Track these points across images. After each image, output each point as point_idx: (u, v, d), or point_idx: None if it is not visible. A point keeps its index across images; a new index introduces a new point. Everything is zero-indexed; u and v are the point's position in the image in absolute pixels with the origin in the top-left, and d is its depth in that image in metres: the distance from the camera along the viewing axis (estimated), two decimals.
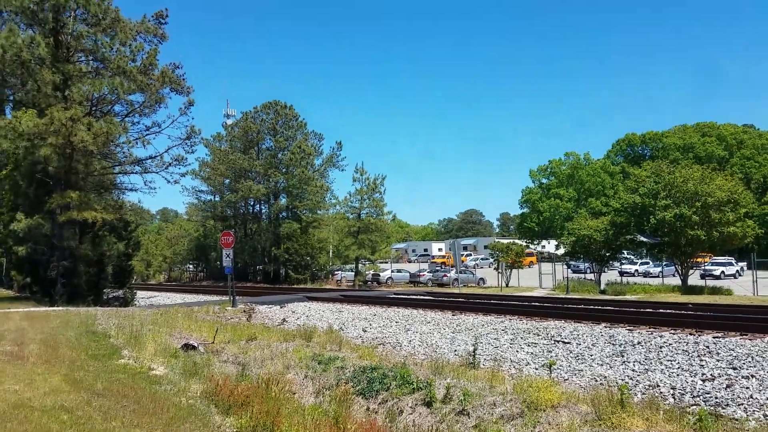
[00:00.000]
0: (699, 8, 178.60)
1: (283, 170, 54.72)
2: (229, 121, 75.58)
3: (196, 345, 12.53)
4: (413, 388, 9.24)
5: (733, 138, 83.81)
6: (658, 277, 45.35)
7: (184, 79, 28.85)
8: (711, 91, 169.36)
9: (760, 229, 54.37)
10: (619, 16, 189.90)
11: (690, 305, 22.67)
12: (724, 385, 10.03)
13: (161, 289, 47.34)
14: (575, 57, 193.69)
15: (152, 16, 28.18)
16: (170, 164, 29.72)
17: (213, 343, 13.25)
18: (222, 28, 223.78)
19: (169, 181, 30.84)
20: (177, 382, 8.92)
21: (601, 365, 12.16)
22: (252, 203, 60.79)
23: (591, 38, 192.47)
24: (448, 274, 46.39)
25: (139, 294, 37.23)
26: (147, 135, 28.99)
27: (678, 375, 10.92)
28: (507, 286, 42.22)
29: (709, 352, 12.20)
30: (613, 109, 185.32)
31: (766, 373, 10.42)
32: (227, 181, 59.36)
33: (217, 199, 63.57)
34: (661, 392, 10.13)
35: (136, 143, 28.58)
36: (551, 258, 53.32)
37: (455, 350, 14.44)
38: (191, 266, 74.31)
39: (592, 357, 12.85)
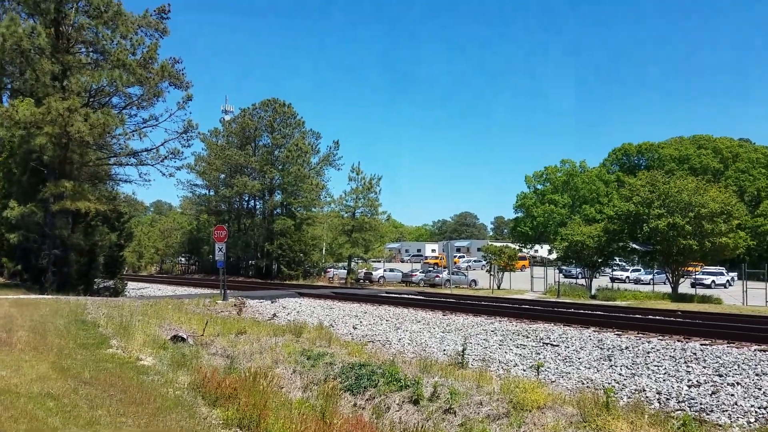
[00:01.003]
0: (698, 23, 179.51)
1: (279, 167, 54.67)
2: (227, 117, 75.49)
3: (185, 337, 12.53)
4: (401, 386, 9.27)
5: (728, 151, 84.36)
6: (649, 284, 45.57)
7: (183, 74, 28.96)
8: (708, 103, 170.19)
9: (752, 241, 54.78)
10: (619, 27, 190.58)
11: (679, 312, 22.82)
12: (710, 392, 10.11)
13: (152, 281, 47.28)
14: (575, 64, 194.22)
15: (154, 11, 28.22)
16: (166, 157, 29.87)
17: (202, 335, 13.24)
18: (224, 24, 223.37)
19: (164, 174, 31.01)
20: (165, 373, 8.92)
21: (589, 368, 12.22)
22: (247, 199, 60.72)
23: (592, 47, 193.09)
24: (441, 275, 46.45)
25: (130, 285, 37.15)
26: (144, 128, 29.10)
27: (664, 380, 10.99)
28: (498, 288, 42.33)
29: (696, 359, 12.29)
30: (610, 118, 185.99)
31: (752, 380, 10.50)
32: (222, 176, 59.30)
33: (211, 193, 63.49)
34: (647, 396, 10.19)
35: (133, 135, 28.72)
36: (543, 262, 53.54)
37: (444, 350, 14.49)
38: (183, 259, 74.23)
39: (580, 360, 12.91)
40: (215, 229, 26.95)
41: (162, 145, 29.79)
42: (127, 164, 30.81)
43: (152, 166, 30.17)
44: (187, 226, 70.57)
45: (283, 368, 10.86)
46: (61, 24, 26.14)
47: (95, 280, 29.43)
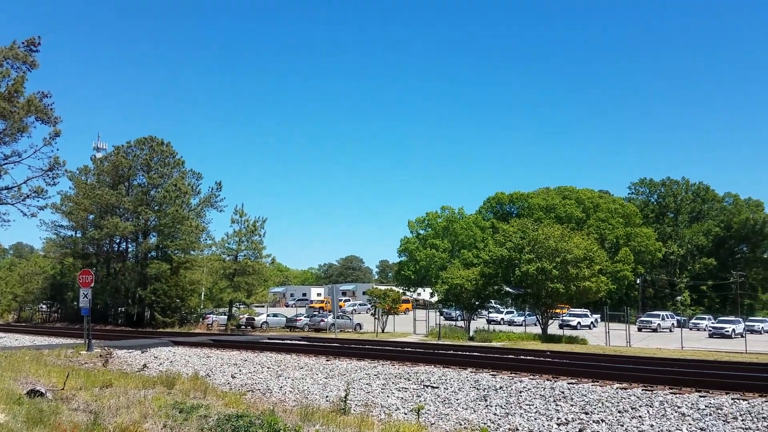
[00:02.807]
0: (562, 80, 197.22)
1: (156, 208, 51.98)
2: (99, 155, 71.24)
3: (43, 391, 11.40)
4: None
5: (590, 201, 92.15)
6: (521, 325, 47.95)
7: (52, 109, 27.31)
8: (573, 156, 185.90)
9: (612, 285, 59.65)
10: (491, 86, 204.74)
11: (548, 353, 24.15)
12: (577, 429, 10.67)
13: (9, 330, 42.86)
14: (454, 116, 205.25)
15: (23, 43, 26.54)
16: (28, 196, 27.88)
17: (63, 389, 12.11)
18: (99, 60, 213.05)
19: (25, 214, 28.65)
20: (19, 431, 8.06)
21: (466, 409, 12.54)
22: (118, 241, 56.89)
23: (468, 103, 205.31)
24: (326, 319, 46.02)
25: None
26: (5, 164, 27.04)
27: (536, 419, 11.50)
28: (383, 331, 42.65)
29: (564, 398, 13.01)
30: (485, 166, 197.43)
31: (615, 417, 11.25)
32: (91, 216, 55.30)
33: (78, 235, 58.94)
34: None
35: None
36: (426, 305, 54.76)
37: (327, 396, 14.27)
38: (45, 306, 68.04)
39: (458, 401, 13.23)
40: (80, 273, 25.13)
41: (24, 182, 27.73)
42: None
43: (12, 205, 27.98)
44: (50, 270, 64.94)
45: (153, 423, 10.14)
46: None
47: None
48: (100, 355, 20.54)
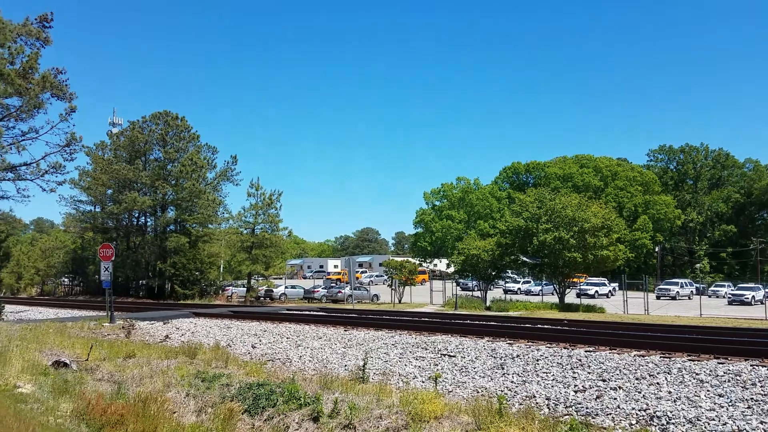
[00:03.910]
0: (585, 50, 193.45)
1: (173, 182, 52.38)
2: (115, 130, 71.58)
3: (68, 362, 11.68)
4: (300, 404, 9.13)
5: (608, 170, 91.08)
6: (538, 295, 47.93)
7: (66, 85, 27.47)
8: (590, 124, 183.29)
9: (630, 254, 59.29)
10: (507, 54, 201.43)
11: (565, 321, 24.15)
12: (594, 396, 10.70)
13: (33, 304, 43.81)
14: (470, 85, 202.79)
15: (36, 19, 26.55)
16: (47, 172, 28.12)
17: (87, 360, 12.40)
18: (114, 35, 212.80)
19: (44, 190, 28.96)
20: (45, 401, 8.29)
21: (483, 377, 12.63)
22: (137, 215, 57.60)
23: (485, 71, 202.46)
24: (343, 291, 46.42)
25: (8, 308, 34.28)
26: (23, 140, 27.32)
27: (553, 386, 11.55)
28: (400, 302, 42.93)
29: (581, 365, 13.03)
30: (501, 136, 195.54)
31: (632, 384, 11.25)
32: (110, 191, 55.92)
33: (97, 210, 59.72)
34: (537, 403, 10.67)
35: (10, 149, 26.88)
36: (442, 276, 54.92)
37: (346, 365, 14.45)
38: (66, 280, 69.38)
39: (475, 369, 13.32)
40: (101, 247, 25.47)
41: (42, 158, 28.01)
42: (4, 179, 28.65)
43: (32, 181, 28.28)
44: (70, 244, 66.01)
45: (176, 392, 10.36)
46: None
47: None
48: (123, 327, 20.90)
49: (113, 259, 24.75)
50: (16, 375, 9.92)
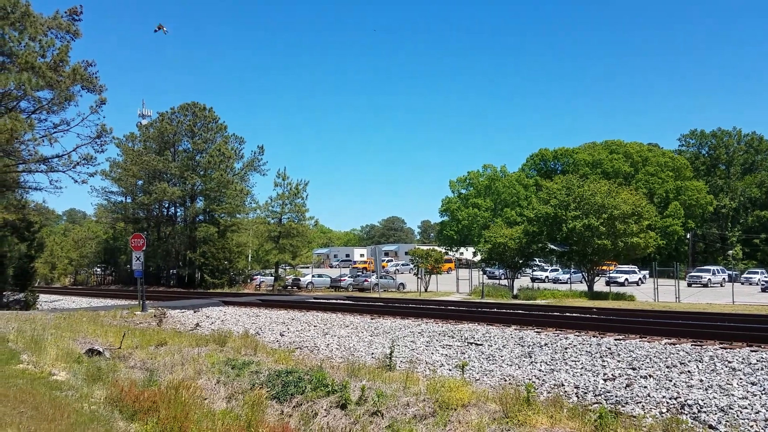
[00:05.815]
0: (606, 34, 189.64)
1: (201, 173, 53.12)
2: (144, 122, 72.70)
3: (101, 350, 11.96)
4: (328, 391, 9.21)
5: (638, 155, 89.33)
6: (566, 283, 47.47)
7: (96, 77, 27.97)
8: (619, 109, 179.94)
9: (661, 241, 58.26)
10: (534, 39, 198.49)
11: (594, 309, 23.88)
12: (624, 385, 10.60)
13: (66, 293, 44.92)
14: (495, 72, 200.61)
15: (65, 12, 27.07)
16: (78, 163, 28.68)
17: (120, 348, 12.68)
18: (142, 27, 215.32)
19: (76, 181, 29.57)
20: (79, 388, 8.49)
21: (511, 365, 12.58)
22: (167, 206, 58.62)
23: (511, 57, 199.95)
24: (369, 279, 46.60)
25: (42, 297, 35.26)
26: (54, 133, 27.87)
27: (581, 375, 11.45)
28: (426, 291, 42.94)
29: (611, 354, 12.89)
30: (528, 123, 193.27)
31: (663, 372, 11.09)
32: (140, 182, 56.97)
33: (128, 200, 60.90)
34: (565, 391, 10.60)
35: (43, 141, 27.46)
36: (468, 264, 54.78)
37: (372, 353, 14.53)
38: (99, 269, 70.99)
39: (503, 358, 13.28)
40: (132, 237, 25.91)
41: (74, 150, 28.58)
42: (37, 171, 29.35)
43: (63, 172, 28.87)
44: (102, 235, 67.45)
45: (207, 379, 10.54)
46: None
47: (4, 293, 27.82)
48: (154, 315, 21.30)
49: (144, 248, 25.13)
50: (51, 363, 10.18)
